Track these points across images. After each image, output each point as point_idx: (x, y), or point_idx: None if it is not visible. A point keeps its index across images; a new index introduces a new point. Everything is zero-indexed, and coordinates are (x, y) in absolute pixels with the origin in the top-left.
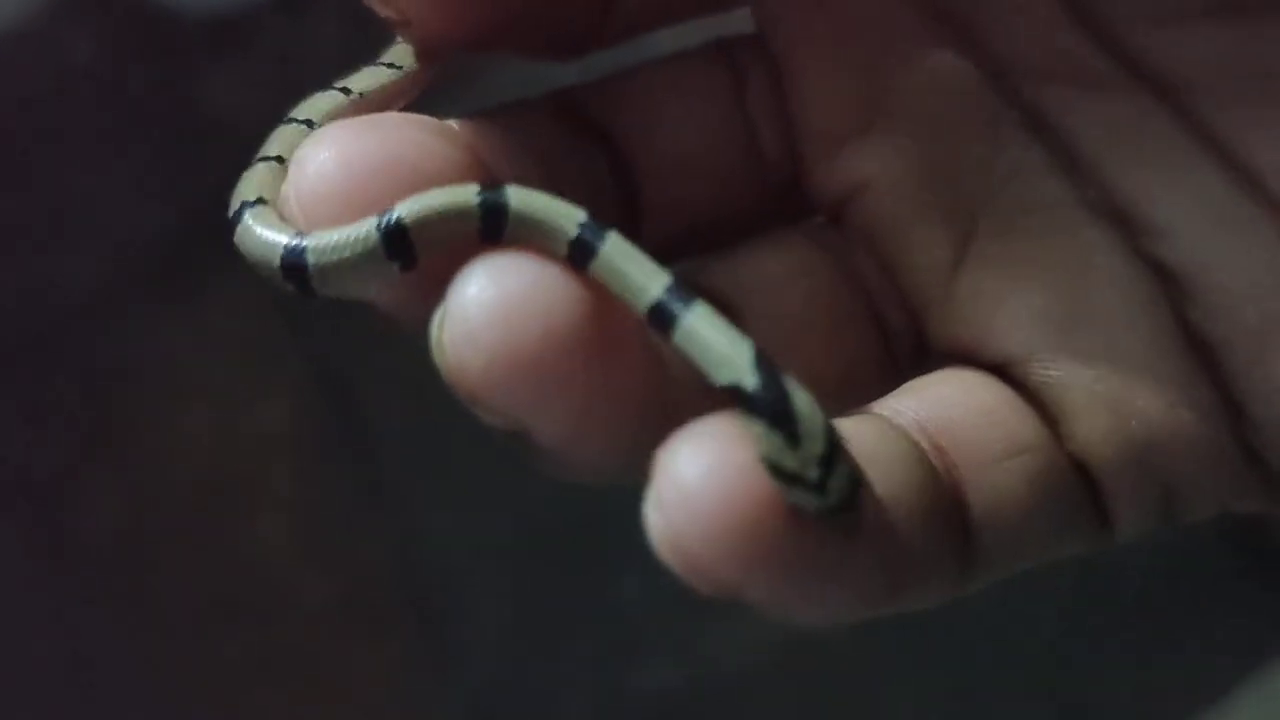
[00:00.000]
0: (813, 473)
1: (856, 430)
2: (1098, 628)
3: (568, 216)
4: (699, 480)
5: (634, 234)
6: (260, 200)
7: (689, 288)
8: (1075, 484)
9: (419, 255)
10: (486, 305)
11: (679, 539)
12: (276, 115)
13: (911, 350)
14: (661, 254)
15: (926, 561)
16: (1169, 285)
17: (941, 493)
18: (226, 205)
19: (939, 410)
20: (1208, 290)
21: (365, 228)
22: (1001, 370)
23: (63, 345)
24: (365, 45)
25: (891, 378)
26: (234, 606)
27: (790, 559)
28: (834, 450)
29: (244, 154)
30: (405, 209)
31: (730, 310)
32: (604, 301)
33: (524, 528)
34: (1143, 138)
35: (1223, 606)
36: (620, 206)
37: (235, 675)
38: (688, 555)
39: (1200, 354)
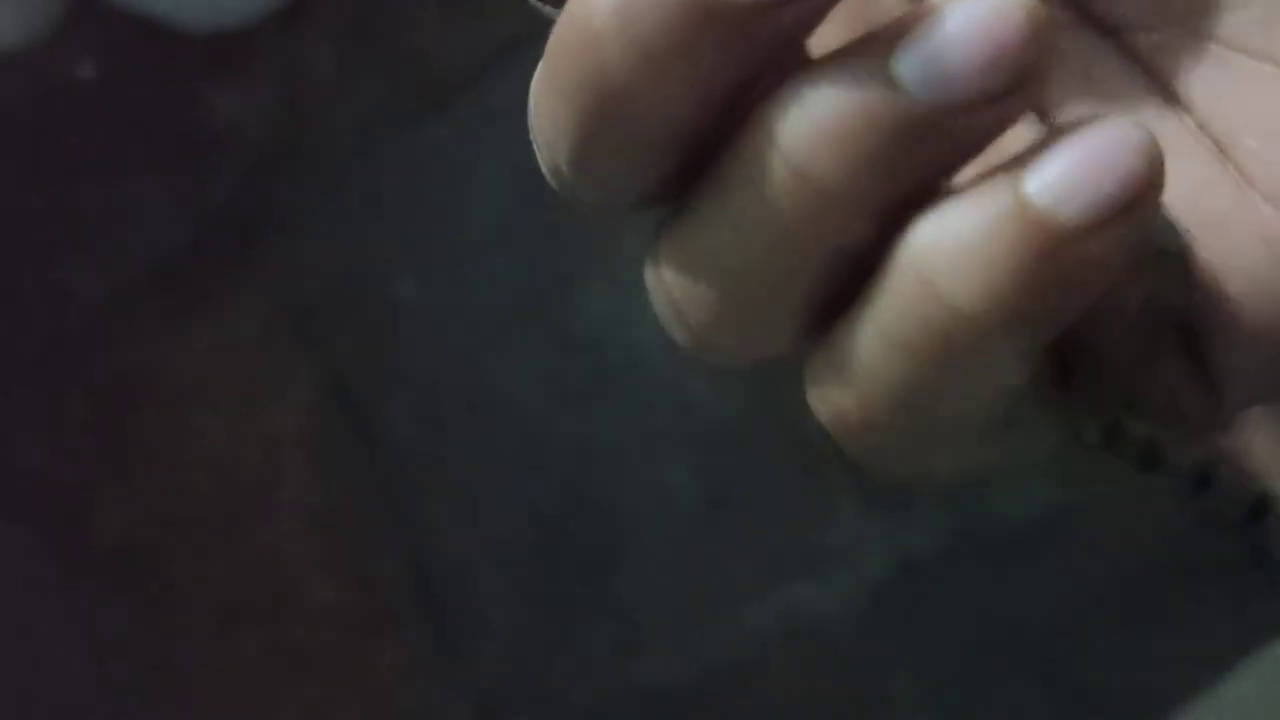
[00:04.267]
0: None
1: None
2: (1096, 614)
3: None
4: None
5: None
6: None
7: None
8: None
9: None
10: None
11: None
12: (277, 128)
13: None
14: None
15: None
16: None
17: None
18: (235, 216)
19: None
20: None
21: None
22: None
23: (78, 357)
24: (362, 59)
25: None
26: (247, 609)
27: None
28: None
29: (247, 165)
30: None
31: None
32: None
33: (530, 528)
34: (1090, 73)
35: (1220, 591)
36: None
37: (249, 675)
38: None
39: None
